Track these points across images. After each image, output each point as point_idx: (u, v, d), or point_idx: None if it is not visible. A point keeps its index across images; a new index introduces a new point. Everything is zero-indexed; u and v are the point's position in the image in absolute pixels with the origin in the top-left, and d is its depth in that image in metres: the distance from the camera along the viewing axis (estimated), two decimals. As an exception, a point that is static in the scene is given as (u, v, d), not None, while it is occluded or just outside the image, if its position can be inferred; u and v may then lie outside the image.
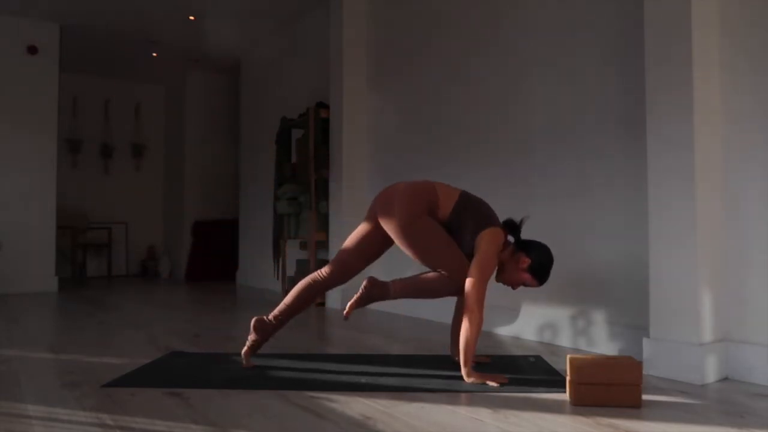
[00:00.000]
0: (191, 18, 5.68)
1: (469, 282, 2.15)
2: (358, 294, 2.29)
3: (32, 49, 5.73)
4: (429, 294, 2.30)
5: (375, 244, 2.41)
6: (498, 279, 2.37)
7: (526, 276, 2.29)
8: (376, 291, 2.30)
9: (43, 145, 5.76)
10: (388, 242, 2.42)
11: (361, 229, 2.43)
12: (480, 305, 2.13)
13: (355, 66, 4.60)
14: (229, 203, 7.55)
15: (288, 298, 2.41)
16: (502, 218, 2.43)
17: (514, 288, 2.36)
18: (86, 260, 7.57)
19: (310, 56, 5.48)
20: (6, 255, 5.51)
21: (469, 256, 2.29)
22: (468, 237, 2.28)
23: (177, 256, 7.58)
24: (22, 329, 3.44)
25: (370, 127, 4.57)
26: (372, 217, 2.39)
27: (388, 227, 2.31)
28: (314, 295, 2.42)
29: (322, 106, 4.82)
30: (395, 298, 2.32)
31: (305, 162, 4.77)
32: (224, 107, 7.65)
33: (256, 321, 2.38)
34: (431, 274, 2.29)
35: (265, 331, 2.38)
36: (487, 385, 2.08)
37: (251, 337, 2.39)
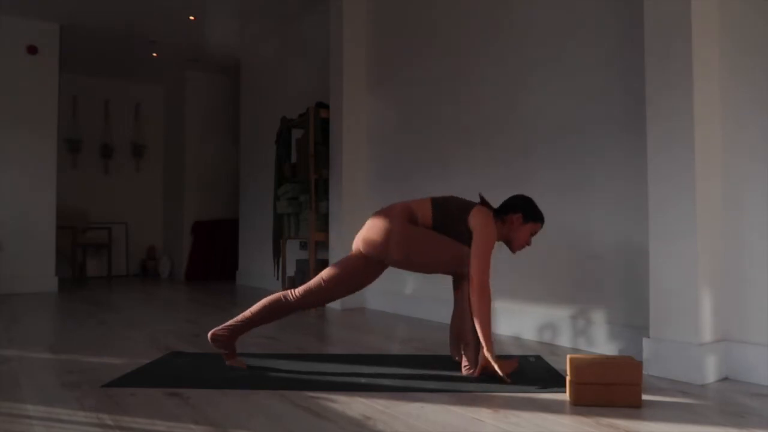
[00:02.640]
0: (191, 18, 5.68)
1: (473, 260, 2.17)
2: (469, 367, 2.25)
3: (32, 49, 5.73)
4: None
5: (357, 278, 2.37)
6: (514, 250, 2.40)
7: (528, 227, 2.34)
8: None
9: (43, 145, 5.76)
10: (370, 275, 2.39)
11: (346, 262, 2.38)
12: (487, 280, 2.16)
13: (355, 66, 4.60)
14: (229, 203, 7.55)
15: (254, 308, 2.37)
16: None
17: (530, 245, 2.40)
18: (86, 260, 7.56)
19: (310, 56, 5.48)
20: (6, 255, 5.51)
21: (468, 243, 2.29)
22: (458, 227, 2.28)
23: (177, 256, 7.58)
24: (22, 329, 3.44)
25: (370, 127, 4.57)
26: (357, 252, 2.36)
27: (380, 251, 2.28)
28: (280, 314, 2.39)
29: (322, 106, 4.82)
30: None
31: (305, 162, 4.76)
32: (224, 107, 7.65)
33: (212, 338, 2.37)
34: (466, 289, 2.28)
35: (226, 342, 2.37)
36: (498, 375, 2.10)
37: (220, 351, 2.40)
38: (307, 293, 2.36)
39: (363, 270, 2.36)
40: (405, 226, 2.28)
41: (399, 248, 2.26)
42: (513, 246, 2.39)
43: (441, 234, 2.29)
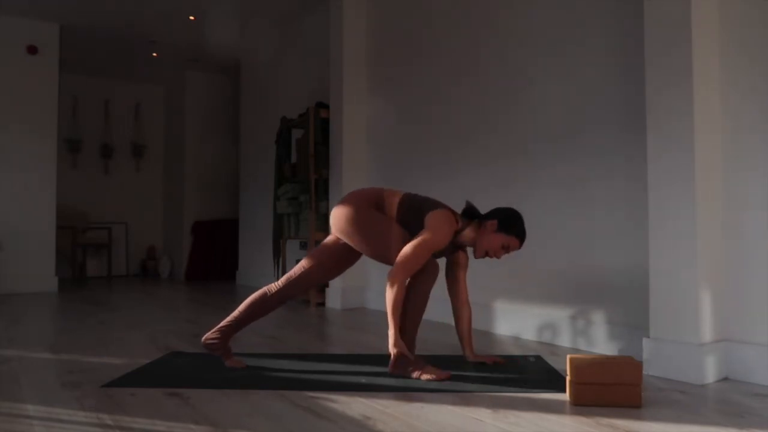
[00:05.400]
0: (191, 18, 5.68)
1: (403, 250, 2.16)
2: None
3: (32, 49, 5.73)
4: (424, 301, 2.29)
5: (336, 260, 2.40)
6: (477, 256, 2.32)
7: (500, 237, 2.27)
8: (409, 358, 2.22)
9: (43, 145, 5.76)
10: (350, 258, 2.42)
11: (324, 245, 2.43)
12: (402, 276, 2.12)
13: (355, 66, 4.60)
14: (229, 203, 7.55)
15: (241, 307, 2.40)
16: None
17: (498, 256, 2.30)
18: (86, 260, 7.56)
19: (310, 56, 5.48)
20: (6, 255, 5.50)
21: None
22: (416, 224, 2.27)
23: (177, 256, 7.58)
24: (22, 329, 3.44)
25: (370, 127, 4.57)
26: (334, 236, 2.41)
27: (340, 230, 2.32)
28: (267, 308, 2.41)
29: (322, 106, 4.82)
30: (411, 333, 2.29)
31: (305, 162, 4.77)
32: (224, 107, 7.65)
33: (205, 344, 2.39)
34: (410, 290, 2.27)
35: (219, 345, 2.38)
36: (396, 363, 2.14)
37: (215, 354, 2.42)
38: (289, 281, 2.39)
39: (340, 252, 2.39)
40: (362, 210, 2.29)
41: (349, 224, 2.28)
42: (476, 250, 2.31)
43: (402, 229, 2.29)
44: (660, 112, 2.32)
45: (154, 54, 6.78)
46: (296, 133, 5.36)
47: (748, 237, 2.23)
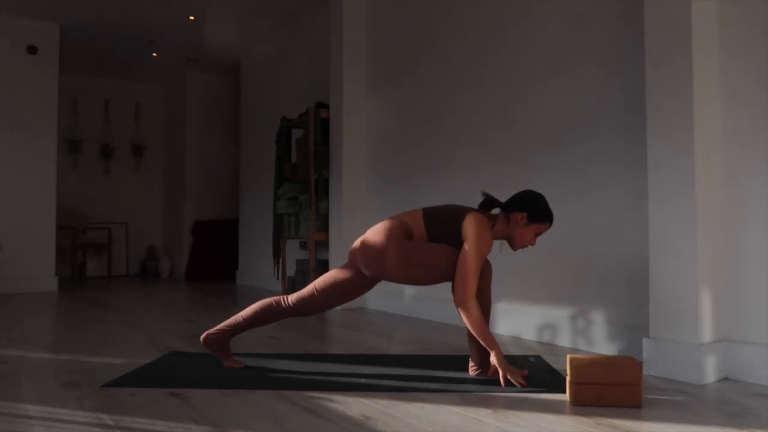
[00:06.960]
0: (191, 18, 5.68)
1: (457, 275, 2.13)
2: (476, 367, 2.25)
3: (32, 49, 5.73)
4: (489, 298, 2.29)
5: (351, 290, 2.34)
6: (515, 248, 2.31)
7: (533, 227, 2.25)
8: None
9: (43, 145, 5.77)
10: (365, 288, 2.36)
11: (340, 273, 2.33)
12: (469, 297, 2.11)
13: (355, 66, 4.60)
14: (229, 203, 7.55)
15: (246, 312, 2.36)
16: None
17: (533, 244, 2.30)
18: (86, 260, 7.56)
19: (310, 56, 5.48)
20: (6, 255, 5.51)
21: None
22: (452, 238, 2.22)
23: (177, 256, 7.59)
24: (22, 329, 3.44)
25: (370, 127, 4.57)
26: (352, 266, 2.31)
27: (378, 270, 2.22)
28: (272, 318, 2.37)
29: (322, 106, 4.82)
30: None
31: (305, 162, 4.77)
32: (224, 107, 7.65)
33: (205, 341, 2.37)
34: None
35: (219, 344, 2.37)
36: (509, 380, 2.09)
37: (214, 353, 2.40)
38: (300, 302, 2.32)
39: (356, 283, 2.31)
40: (401, 242, 2.20)
41: (397, 264, 2.18)
42: (514, 245, 2.31)
43: (442, 246, 2.23)
44: (660, 114, 2.31)
45: (154, 54, 6.78)
46: (296, 133, 5.36)
47: (748, 237, 2.23)
